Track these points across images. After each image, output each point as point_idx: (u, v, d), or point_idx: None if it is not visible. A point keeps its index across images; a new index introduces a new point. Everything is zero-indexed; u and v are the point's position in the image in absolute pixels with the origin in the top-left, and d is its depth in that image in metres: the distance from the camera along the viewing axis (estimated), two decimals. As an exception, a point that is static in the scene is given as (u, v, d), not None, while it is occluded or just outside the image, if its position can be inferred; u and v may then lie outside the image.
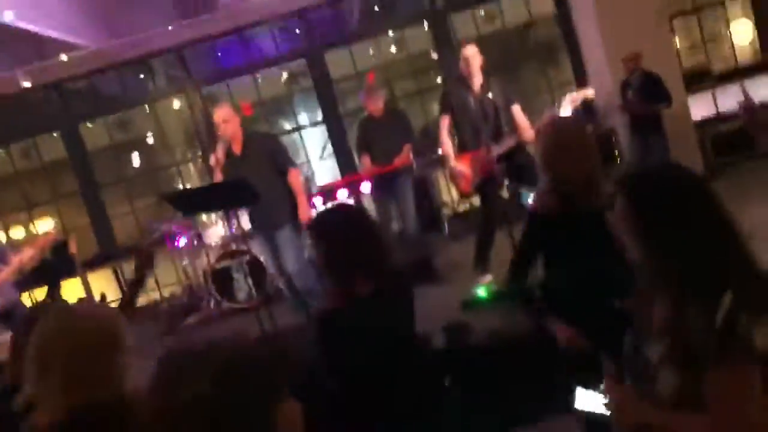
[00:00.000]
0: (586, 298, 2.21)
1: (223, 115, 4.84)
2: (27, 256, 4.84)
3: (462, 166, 4.97)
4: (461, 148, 5.09)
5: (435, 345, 3.54)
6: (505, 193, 5.03)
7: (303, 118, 10.01)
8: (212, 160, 4.76)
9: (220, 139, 4.83)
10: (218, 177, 4.78)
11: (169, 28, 7.30)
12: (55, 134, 8.57)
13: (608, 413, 1.50)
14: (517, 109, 4.94)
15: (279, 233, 4.88)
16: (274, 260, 5.04)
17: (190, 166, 10.29)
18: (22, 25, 5.88)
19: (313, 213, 5.07)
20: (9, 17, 5.59)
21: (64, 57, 7.19)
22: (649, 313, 1.46)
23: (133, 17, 7.44)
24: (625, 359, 1.53)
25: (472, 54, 4.85)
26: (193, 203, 4.76)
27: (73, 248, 5.79)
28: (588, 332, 2.15)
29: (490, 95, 4.83)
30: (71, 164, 8.29)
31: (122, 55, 7.73)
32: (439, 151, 7.33)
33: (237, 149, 4.88)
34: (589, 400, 1.68)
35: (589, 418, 1.70)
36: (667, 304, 1.41)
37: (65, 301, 6.82)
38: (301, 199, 4.92)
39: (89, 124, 8.79)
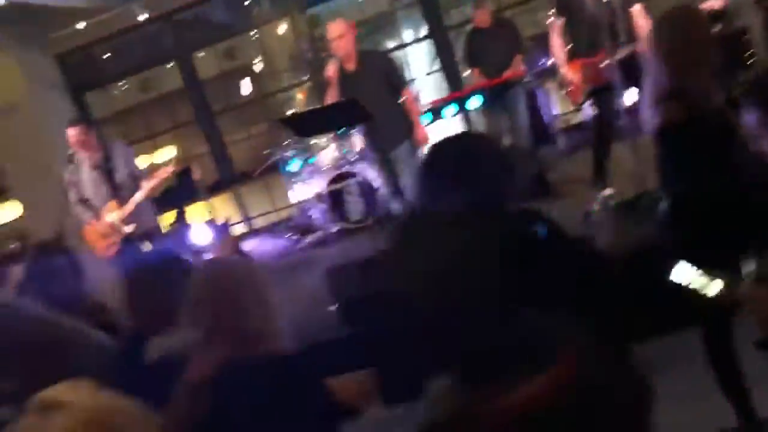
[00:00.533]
0: (722, 201, 2.07)
1: (337, 30, 4.74)
2: (156, 181, 5.21)
3: (573, 74, 4.73)
4: (574, 54, 4.80)
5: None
6: (621, 102, 4.73)
7: (407, 35, 9.79)
8: (326, 76, 4.74)
9: (334, 56, 4.78)
10: (332, 94, 4.77)
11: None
12: (168, 66, 8.89)
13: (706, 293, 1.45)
14: (637, 11, 4.57)
15: (395, 152, 4.88)
16: (389, 180, 5.04)
17: (297, 91, 10.39)
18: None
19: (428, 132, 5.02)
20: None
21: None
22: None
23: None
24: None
25: None
26: (309, 125, 4.80)
27: (196, 175, 6.07)
28: (724, 237, 2.01)
29: None
30: (187, 94, 8.59)
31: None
32: (550, 60, 7.12)
33: (351, 66, 4.83)
34: (690, 275, 1.57)
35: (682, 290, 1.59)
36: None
37: (190, 226, 7.25)
38: (417, 118, 4.90)
39: (200, 54, 9.02)
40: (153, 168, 8.66)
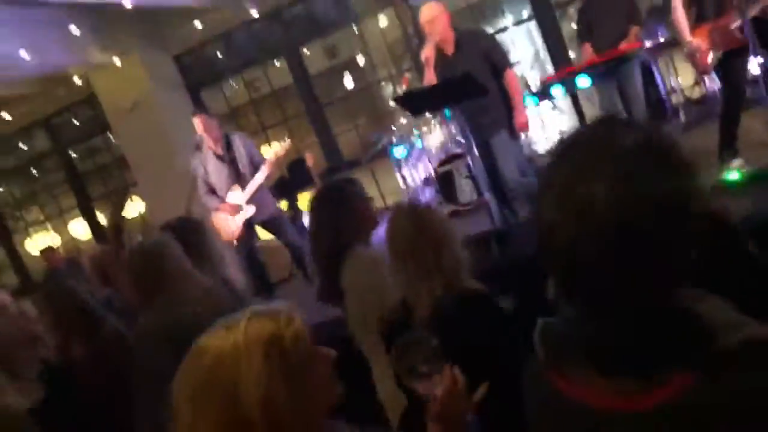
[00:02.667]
0: None
1: (428, 14, 4.61)
2: (274, 160, 5.53)
3: (701, 40, 4.49)
4: (700, 19, 4.56)
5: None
6: (755, 67, 4.48)
7: (509, 19, 9.69)
8: (422, 57, 4.57)
9: (429, 40, 4.60)
10: (430, 76, 4.62)
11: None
12: (277, 63, 9.21)
13: None
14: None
15: (494, 140, 4.71)
16: (487, 167, 4.81)
17: (397, 83, 10.49)
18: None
19: (529, 118, 4.83)
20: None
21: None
22: None
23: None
24: None
25: None
26: (422, 103, 4.77)
27: (309, 162, 6.26)
28: None
29: None
30: (296, 88, 8.87)
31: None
32: (664, 33, 6.85)
33: (449, 49, 4.70)
34: None
35: None
36: None
37: (302, 213, 7.48)
38: (518, 102, 4.70)
39: (306, 51, 9.29)
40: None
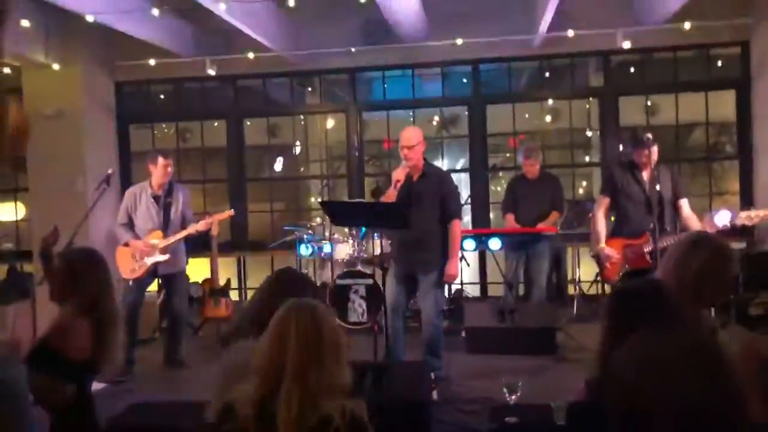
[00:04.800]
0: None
1: (411, 139, 4.71)
2: (204, 225, 5.74)
3: (613, 251, 4.80)
4: (616, 234, 4.91)
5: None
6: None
7: (445, 164, 10.10)
8: (394, 176, 4.69)
9: (405, 164, 4.72)
10: (390, 196, 4.71)
11: (351, 50, 7.59)
12: (216, 123, 9.14)
13: None
14: (685, 204, 4.75)
15: (423, 277, 4.78)
16: (402, 299, 4.88)
17: (326, 181, 10.60)
18: (230, 19, 6.30)
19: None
20: (221, 8, 6.00)
21: (251, 55, 7.63)
22: None
23: (320, 34, 7.82)
24: None
25: (653, 149, 4.66)
26: (347, 215, 4.82)
27: (214, 230, 6.09)
28: None
29: (657, 186, 4.63)
30: (227, 153, 8.78)
31: (299, 65, 8.14)
32: (577, 227, 7.31)
33: (415, 176, 4.80)
34: None
35: None
36: None
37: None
38: (455, 253, 4.81)
39: (248, 122, 9.29)
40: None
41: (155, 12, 6.53)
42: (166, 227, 5.64)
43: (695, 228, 4.56)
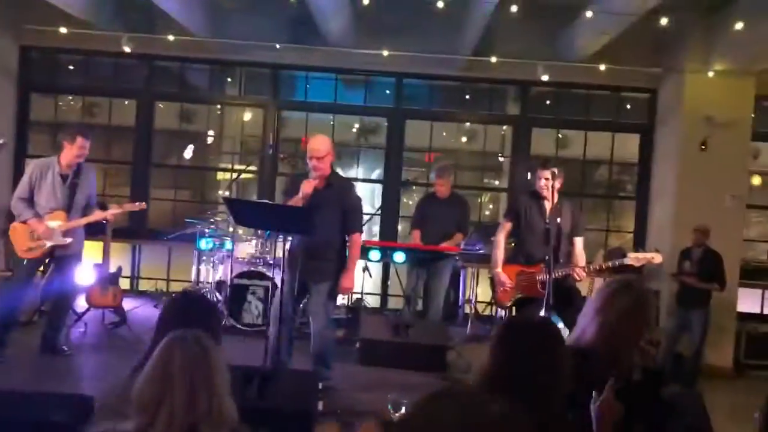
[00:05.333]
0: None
1: (321, 148, 4.61)
2: (112, 213, 5.60)
3: (506, 278, 4.91)
4: (513, 260, 5.03)
5: None
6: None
7: (360, 172, 10.09)
8: (302, 188, 4.55)
9: (314, 175, 4.63)
10: (296, 203, 4.59)
11: (276, 45, 7.46)
12: (127, 102, 8.75)
13: None
14: (579, 242, 4.92)
15: (315, 287, 4.71)
16: (290, 307, 4.76)
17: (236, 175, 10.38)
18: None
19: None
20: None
21: (171, 37, 7.36)
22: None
23: (246, 25, 7.64)
24: None
25: (553, 177, 4.79)
26: (250, 215, 4.68)
27: (110, 216, 5.80)
28: None
29: (559, 219, 4.76)
30: (134, 134, 8.42)
31: (220, 54, 7.94)
32: (479, 249, 7.46)
33: (320, 184, 4.69)
34: None
35: None
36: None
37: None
38: (352, 266, 4.75)
39: (161, 105, 8.96)
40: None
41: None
42: (69, 208, 5.31)
43: (580, 263, 4.76)
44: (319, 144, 4.66)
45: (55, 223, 5.26)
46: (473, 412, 1.11)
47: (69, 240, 5.31)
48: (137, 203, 5.84)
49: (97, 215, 5.44)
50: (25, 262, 5.31)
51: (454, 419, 1.11)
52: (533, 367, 1.88)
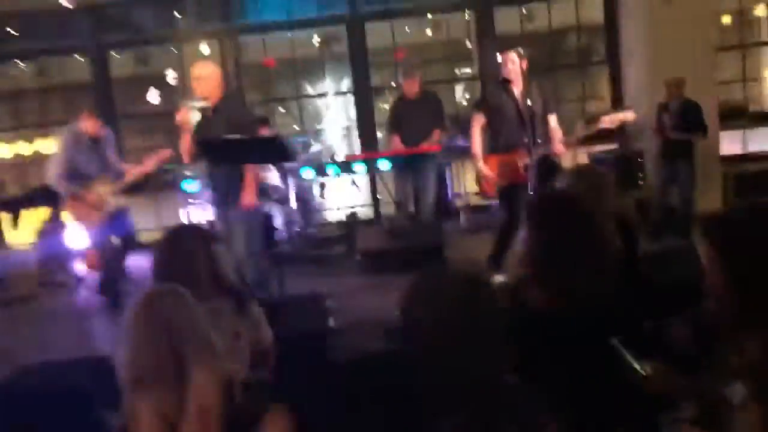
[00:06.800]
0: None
1: (200, 71, 4.51)
2: (145, 168, 5.53)
3: (490, 169, 4.92)
4: (492, 150, 5.00)
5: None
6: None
7: (329, 86, 9.91)
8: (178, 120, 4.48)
9: (187, 104, 4.52)
10: (185, 138, 4.51)
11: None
12: (77, 56, 8.48)
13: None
14: (553, 119, 4.88)
15: (232, 214, 4.57)
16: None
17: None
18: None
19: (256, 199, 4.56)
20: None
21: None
22: (728, 356, 1.47)
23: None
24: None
25: (517, 60, 4.73)
26: (225, 154, 4.60)
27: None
28: None
29: (528, 102, 4.72)
30: (93, 89, 8.22)
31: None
32: (460, 141, 7.44)
33: (209, 110, 4.52)
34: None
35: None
36: (755, 346, 1.42)
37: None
38: (249, 181, 4.52)
39: (115, 54, 8.68)
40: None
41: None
42: (108, 170, 5.43)
43: (558, 139, 4.75)
44: (199, 66, 4.64)
45: (105, 188, 5.35)
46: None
47: (122, 200, 5.49)
48: (162, 151, 5.65)
49: (138, 169, 5.50)
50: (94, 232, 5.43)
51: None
52: (581, 237, 1.85)
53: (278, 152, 4.52)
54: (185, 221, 7.54)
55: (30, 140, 8.93)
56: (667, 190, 6.50)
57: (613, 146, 7.62)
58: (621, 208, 2.78)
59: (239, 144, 4.49)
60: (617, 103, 7.83)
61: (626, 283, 2.11)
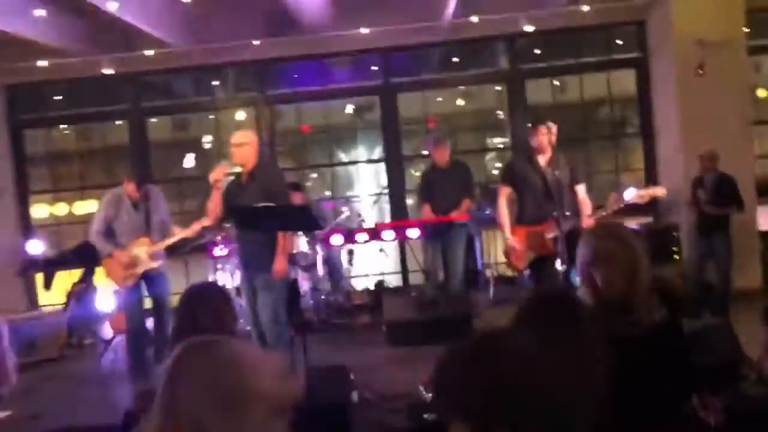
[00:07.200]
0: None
1: (239, 139, 4.63)
2: (191, 231, 5.62)
3: (518, 240, 4.85)
4: (519, 221, 4.94)
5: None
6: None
7: (361, 154, 10.03)
8: (211, 179, 4.57)
9: (222, 162, 4.71)
10: (215, 198, 4.62)
11: (255, 42, 7.37)
12: (119, 122, 8.75)
13: None
14: (582, 189, 4.82)
15: (256, 280, 4.61)
16: (251, 307, 4.68)
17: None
18: (124, 17, 5.98)
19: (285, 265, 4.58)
20: (113, 7, 5.69)
21: (151, 52, 7.30)
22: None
23: (223, 27, 7.55)
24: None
25: (547, 132, 4.71)
26: (256, 220, 4.61)
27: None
28: None
29: (557, 172, 4.67)
30: (130, 152, 8.43)
31: (203, 59, 7.87)
32: (490, 211, 7.39)
33: (244, 177, 4.66)
34: None
35: None
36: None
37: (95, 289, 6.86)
38: (281, 250, 4.57)
39: (154, 119, 8.94)
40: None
41: (41, 12, 6.12)
42: (149, 232, 5.52)
43: (587, 212, 4.69)
44: (239, 133, 4.72)
45: (142, 249, 5.44)
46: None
47: (159, 262, 5.53)
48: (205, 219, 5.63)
49: (180, 233, 5.62)
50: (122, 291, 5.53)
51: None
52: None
53: (308, 221, 4.53)
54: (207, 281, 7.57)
55: (68, 202, 9.15)
56: (703, 266, 6.32)
57: (647, 219, 7.50)
58: (664, 278, 2.68)
59: (269, 211, 4.54)
60: (650, 175, 7.75)
61: (670, 361, 2.01)
